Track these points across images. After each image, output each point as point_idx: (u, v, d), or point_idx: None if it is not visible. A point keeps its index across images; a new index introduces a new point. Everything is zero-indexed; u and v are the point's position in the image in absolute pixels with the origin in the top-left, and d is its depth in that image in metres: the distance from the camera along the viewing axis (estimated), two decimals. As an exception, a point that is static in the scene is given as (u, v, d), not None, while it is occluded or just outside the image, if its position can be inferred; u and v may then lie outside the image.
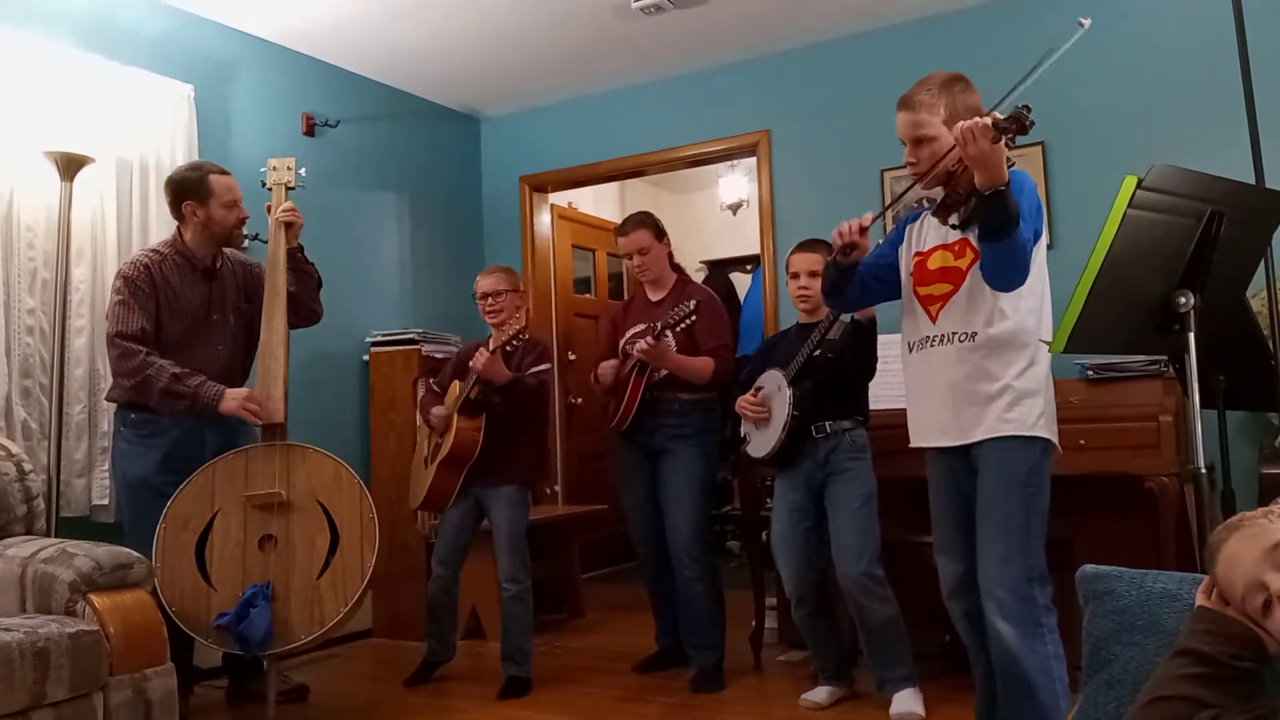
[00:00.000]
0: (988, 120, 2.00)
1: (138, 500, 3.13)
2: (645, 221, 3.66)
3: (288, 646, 2.93)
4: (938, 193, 2.38)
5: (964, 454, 2.39)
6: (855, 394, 3.20)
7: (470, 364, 3.44)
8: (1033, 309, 2.33)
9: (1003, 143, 2.01)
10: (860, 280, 2.53)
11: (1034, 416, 2.31)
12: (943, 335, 2.40)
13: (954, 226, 2.36)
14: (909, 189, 2.46)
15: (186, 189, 3.25)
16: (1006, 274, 2.22)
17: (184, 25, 3.99)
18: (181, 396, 3.08)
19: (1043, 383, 2.34)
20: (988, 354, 2.32)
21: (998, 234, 2.12)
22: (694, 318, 3.30)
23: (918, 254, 2.49)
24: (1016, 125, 1.96)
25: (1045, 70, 2.12)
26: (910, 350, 2.50)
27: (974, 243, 2.33)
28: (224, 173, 3.31)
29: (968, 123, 2.03)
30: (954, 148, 2.21)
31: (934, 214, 2.37)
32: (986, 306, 2.32)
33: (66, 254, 3.34)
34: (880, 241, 2.68)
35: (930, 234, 2.47)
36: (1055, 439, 2.35)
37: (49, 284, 3.37)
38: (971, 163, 2.05)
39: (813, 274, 3.24)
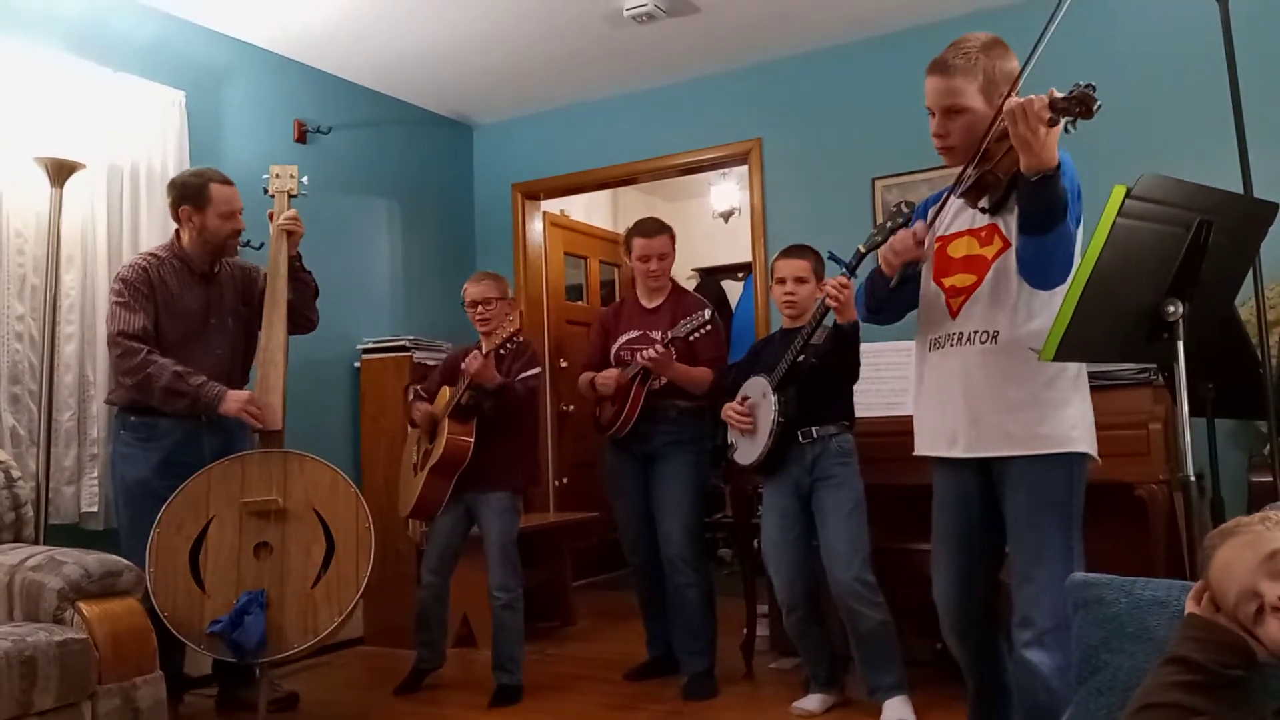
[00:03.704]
0: (1044, 99, 1.76)
1: (135, 503, 3.12)
2: (667, 228, 3.70)
3: (280, 655, 2.92)
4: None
5: (978, 466, 2.20)
6: (840, 399, 3.20)
7: (462, 366, 3.43)
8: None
9: (1060, 125, 1.77)
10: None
11: (1067, 428, 2.10)
12: (962, 334, 2.17)
13: (983, 210, 2.14)
14: (963, 172, 2.11)
15: (186, 194, 3.25)
16: (1048, 270, 2.00)
17: (175, 31, 3.99)
18: (183, 395, 3.07)
19: (1073, 389, 2.13)
20: (1011, 357, 2.10)
21: (1043, 226, 1.91)
22: (708, 328, 3.32)
23: (939, 239, 2.26)
24: (1081, 107, 1.71)
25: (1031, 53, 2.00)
26: (930, 349, 2.26)
27: (1003, 230, 2.12)
28: (227, 182, 3.30)
29: (1021, 100, 1.79)
30: (994, 122, 1.98)
31: (961, 194, 2.14)
32: (1011, 303, 2.11)
33: (56, 260, 3.33)
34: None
35: (955, 217, 2.23)
36: (1093, 449, 2.14)
37: (38, 290, 3.36)
38: (1019, 144, 1.82)
39: (799, 280, 3.24)
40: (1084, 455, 2.13)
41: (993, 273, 2.14)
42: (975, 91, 2.08)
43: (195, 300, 3.27)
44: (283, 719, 3.35)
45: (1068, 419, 2.11)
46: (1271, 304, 2.46)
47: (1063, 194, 1.89)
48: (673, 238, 3.69)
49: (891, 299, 2.35)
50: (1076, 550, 2.11)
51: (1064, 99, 1.74)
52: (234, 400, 3.10)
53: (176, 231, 3.31)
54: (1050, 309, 2.04)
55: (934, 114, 2.15)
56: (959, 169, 2.14)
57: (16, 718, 2.23)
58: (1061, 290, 1.99)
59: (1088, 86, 1.71)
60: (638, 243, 3.67)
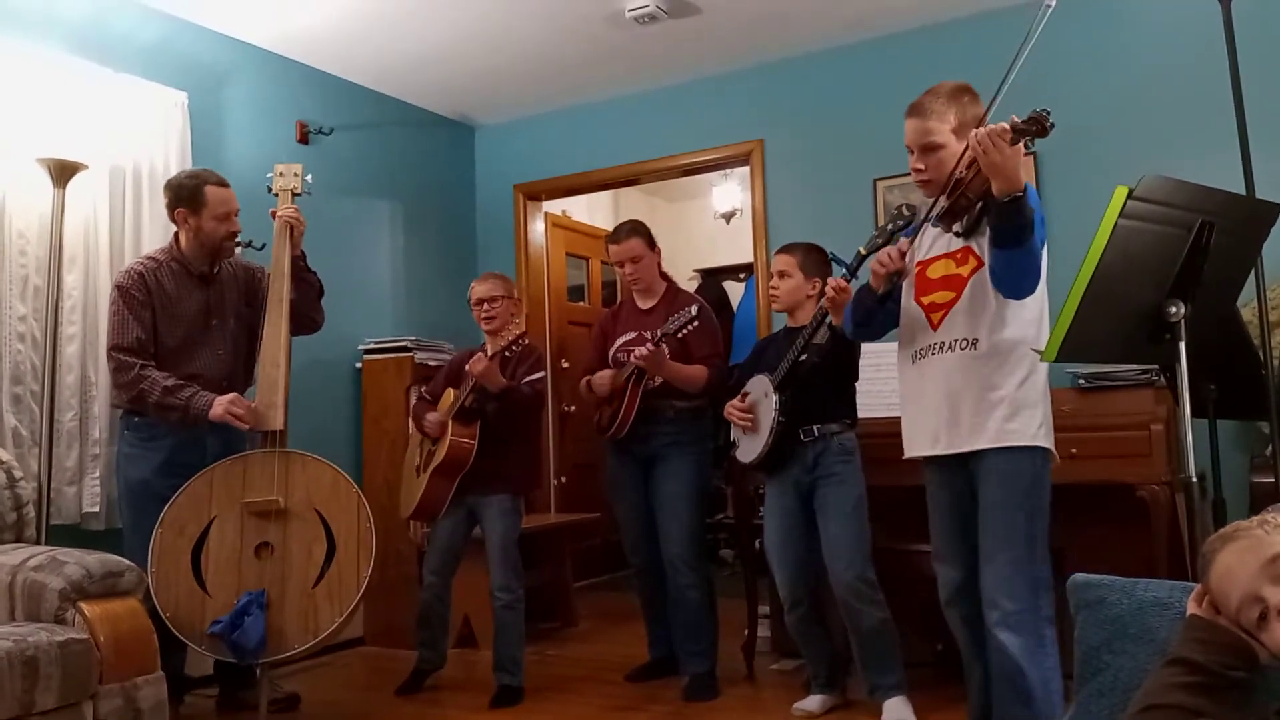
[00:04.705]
0: (1004, 125, 2.00)
1: (139, 504, 3.13)
2: (638, 230, 3.69)
3: (281, 655, 2.92)
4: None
5: (959, 462, 2.39)
6: (842, 397, 3.20)
7: (467, 367, 3.43)
8: (1033, 319, 2.34)
9: (1020, 147, 2.02)
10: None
11: (1035, 426, 2.31)
12: (944, 343, 2.40)
13: (957, 234, 2.38)
14: (935, 204, 2.40)
15: (181, 196, 3.25)
16: (1021, 281, 2.22)
17: (178, 32, 3.99)
18: (173, 409, 3.08)
19: (1042, 393, 2.35)
20: (988, 362, 2.33)
21: (1014, 241, 2.12)
22: (695, 324, 3.32)
23: (918, 263, 2.50)
24: (1036, 127, 1.96)
25: (1024, 60, 2.15)
26: (912, 361, 2.49)
27: (976, 250, 2.35)
28: (223, 184, 3.30)
29: (984, 129, 2.03)
30: (964, 155, 2.22)
31: (937, 222, 2.38)
32: (989, 314, 2.33)
33: (59, 261, 3.33)
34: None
35: (932, 243, 2.48)
36: (1054, 448, 2.37)
37: (41, 291, 3.36)
38: (990, 170, 2.04)
39: (780, 274, 3.28)
40: (1048, 452, 2.35)
41: (970, 288, 2.37)
42: (948, 131, 2.35)
43: (195, 302, 3.27)
44: (284, 719, 3.35)
45: (1035, 418, 2.33)
46: (1273, 305, 2.46)
47: (1031, 212, 2.11)
48: (646, 239, 3.67)
49: (879, 311, 2.55)
50: (1040, 539, 2.31)
51: (1022, 122, 1.99)
52: (218, 405, 3.09)
53: (175, 234, 3.31)
54: (1021, 318, 2.32)
55: (913, 151, 2.41)
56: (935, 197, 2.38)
57: (18, 717, 2.23)
58: (1032, 299, 2.28)
59: (1042, 110, 1.96)
60: (609, 249, 3.72)
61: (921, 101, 2.39)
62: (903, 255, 2.41)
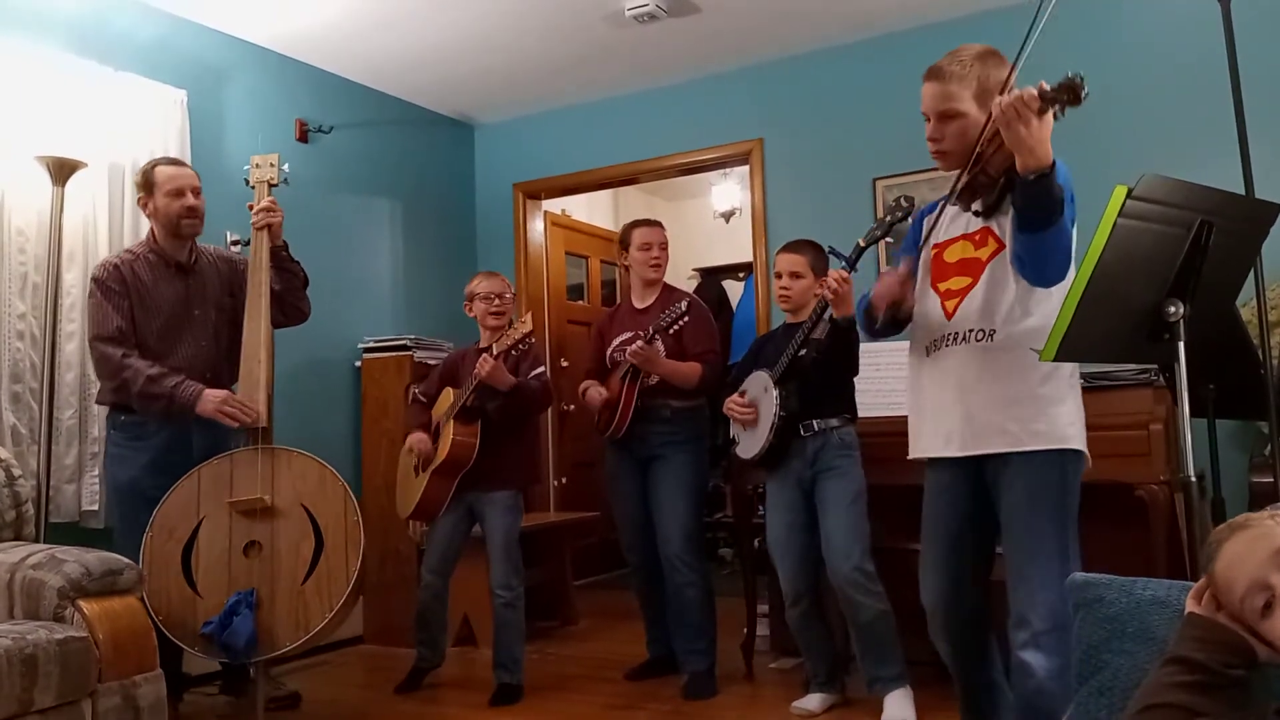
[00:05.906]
0: (1033, 90, 1.77)
1: (126, 504, 3.12)
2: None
3: (272, 654, 2.92)
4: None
5: (971, 465, 2.19)
6: (841, 392, 3.21)
7: (475, 371, 3.42)
8: (1056, 309, 2.06)
9: (1050, 117, 1.79)
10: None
11: (1063, 425, 2.11)
12: (958, 333, 2.19)
13: (976, 213, 2.18)
14: (958, 181, 2.12)
15: (139, 184, 3.27)
16: (1047, 267, 2.00)
17: (177, 31, 3.99)
18: (158, 398, 3.05)
19: (1068, 387, 2.14)
20: (1005, 355, 2.12)
21: (1041, 223, 1.91)
22: (686, 319, 3.33)
23: (935, 246, 2.29)
24: (1069, 95, 1.72)
25: (1025, 57, 1.97)
26: (926, 354, 2.27)
27: (996, 232, 2.15)
28: (174, 163, 3.28)
29: (1009, 97, 1.80)
30: (985, 126, 2.01)
31: (955, 200, 2.17)
32: (1006, 302, 2.13)
33: (58, 258, 3.33)
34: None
35: (950, 224, 2.26)
36: (1085, 447, 2.14)
37: (40, 288, 3.36)
38: (1014, 144, 1.83)
39: (794, 274, 3.26)
40: (1079, 453, 2.13)
41: (988, 273, 2.16)
42: (969, 98, 2.11)
43: (173, 292, 3.22)
44: (284, 718, 3.35)
45: (1064, 416, 2.12)
46: (1273, 304, 2.46)
47: (1059, 191, 1.89)
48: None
49: (896, 320, 2.35)
50: (1073, 549, 2.10)
51: (1053, 89, 1.75)
52: (209, 401, 3.05)
53: (151, 227, 3.29)
54: (1045, 307, 2.08)
55: (929, 119, 2.18)
56: (956, 173, 2.15)
57: (17, 715, 2.23)
58: (1058, 288, 2.03)
59: (1075, 75, 1.72)
60: (639, 232, 3.75)
61: (942, 64, 2.15)
62: (903, 281, 2.22)
